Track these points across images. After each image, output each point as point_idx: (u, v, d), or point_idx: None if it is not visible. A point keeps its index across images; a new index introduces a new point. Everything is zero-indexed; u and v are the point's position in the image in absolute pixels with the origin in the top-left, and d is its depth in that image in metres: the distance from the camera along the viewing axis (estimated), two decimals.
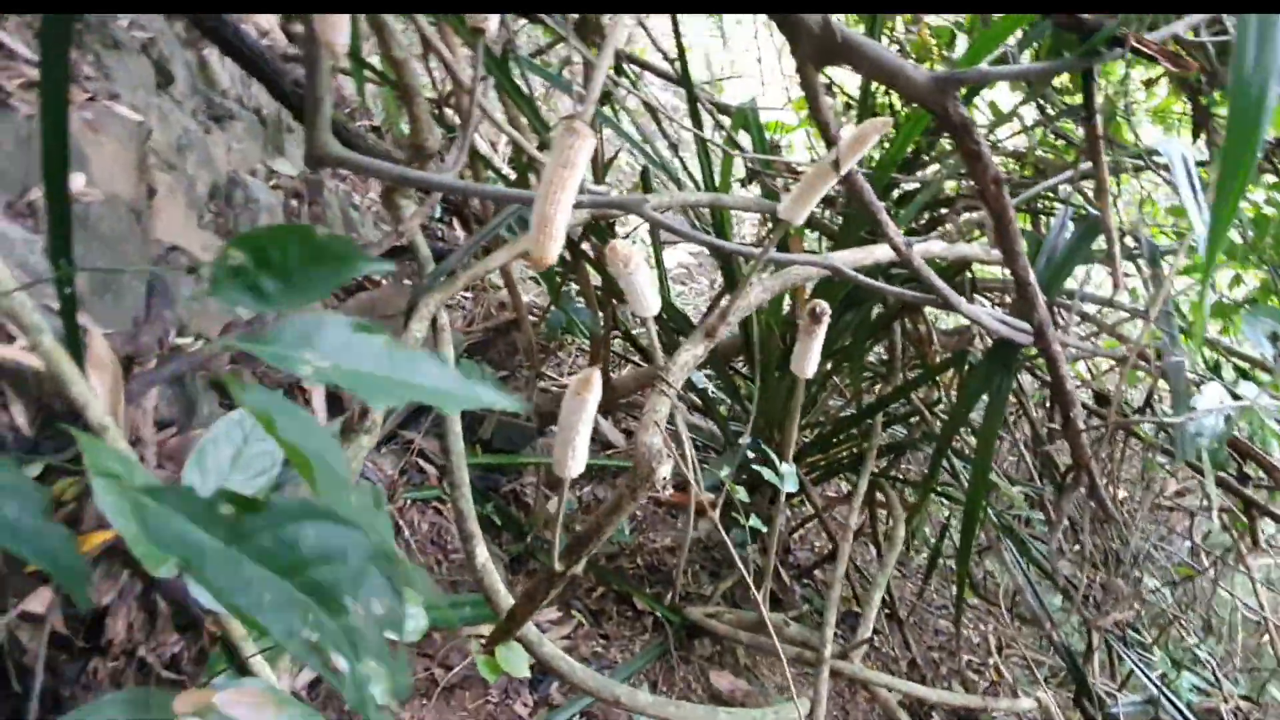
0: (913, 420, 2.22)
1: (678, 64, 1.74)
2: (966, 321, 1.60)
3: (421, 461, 1.85)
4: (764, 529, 1.52)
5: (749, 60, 3.05)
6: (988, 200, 0.98)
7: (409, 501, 1.75)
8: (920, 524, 2.46)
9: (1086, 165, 1.52)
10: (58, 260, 0.80)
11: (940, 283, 1.09)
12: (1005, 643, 2.49)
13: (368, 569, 0.61)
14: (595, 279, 1.91)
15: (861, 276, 1.05)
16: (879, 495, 2.30)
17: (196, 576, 0.65)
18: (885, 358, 2.22)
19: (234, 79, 2.29)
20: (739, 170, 1.99)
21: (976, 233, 1.85)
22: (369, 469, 1.67)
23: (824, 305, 0.92)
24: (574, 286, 2.04)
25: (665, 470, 0.97)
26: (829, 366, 2.08)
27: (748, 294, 1.07)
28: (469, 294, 2.36)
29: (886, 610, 2.40)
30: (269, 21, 2.50)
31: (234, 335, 1.61)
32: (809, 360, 0.99)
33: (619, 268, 0.88)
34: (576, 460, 0.84)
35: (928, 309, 1.96)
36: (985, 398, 1.57)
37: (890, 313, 1.89)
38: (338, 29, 0.76)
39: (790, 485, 1.14)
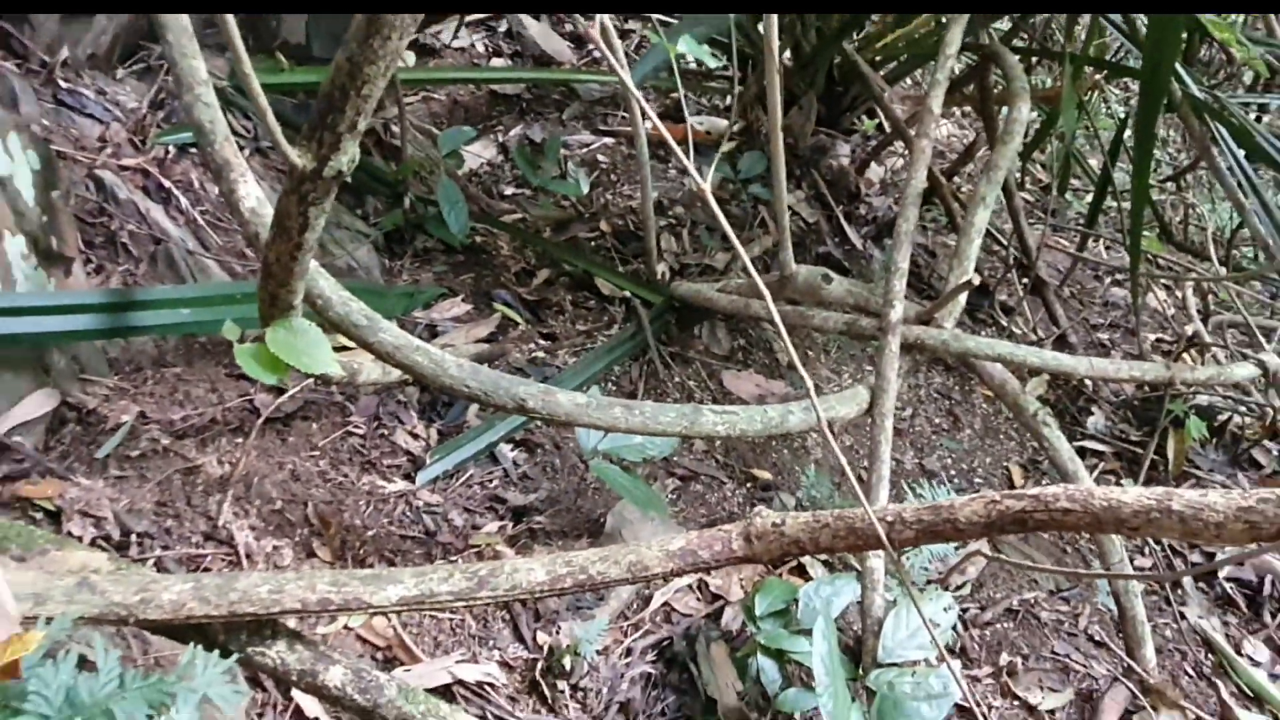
0: None
1: None
2: None
3: None
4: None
5: None
6: None
7: (171, 150, 1.09)
8: (1070, 125, 1.53)
9: None
10: None
11: None
12: (1213, 308, 1.66)
13: None
14: None
15: None
16: (994, 83, 1.46)
17: None
18: None
19: None
20: None
21: None
22: (91, 102, 1.04)
23: None
24: None
25: None
26: None
27: None
28: None
29: (1024, 276, 1.60)
30: None
31: None
32: None
33: None
34: None
35: None
36: None
37: None
38: None
39: None
